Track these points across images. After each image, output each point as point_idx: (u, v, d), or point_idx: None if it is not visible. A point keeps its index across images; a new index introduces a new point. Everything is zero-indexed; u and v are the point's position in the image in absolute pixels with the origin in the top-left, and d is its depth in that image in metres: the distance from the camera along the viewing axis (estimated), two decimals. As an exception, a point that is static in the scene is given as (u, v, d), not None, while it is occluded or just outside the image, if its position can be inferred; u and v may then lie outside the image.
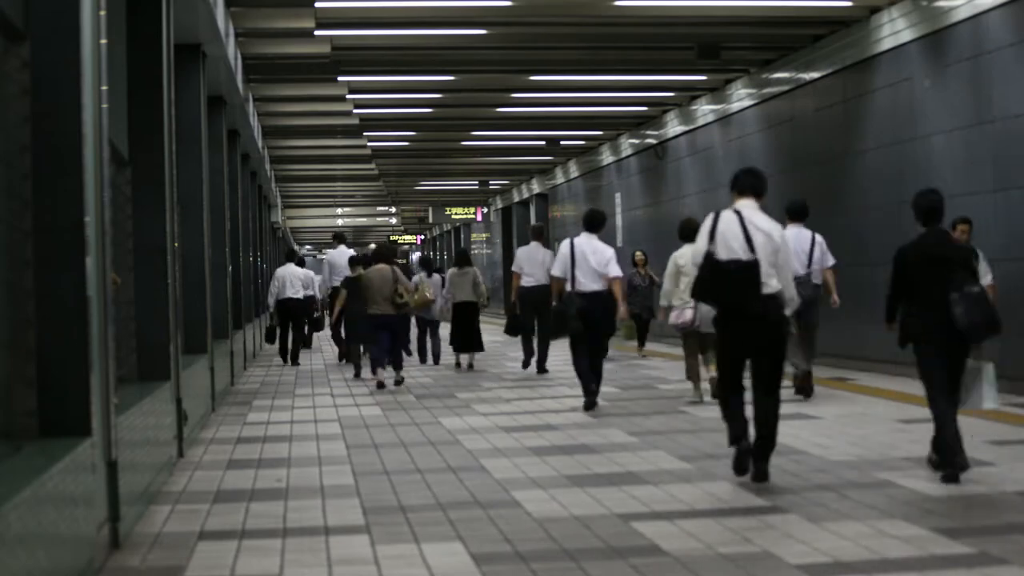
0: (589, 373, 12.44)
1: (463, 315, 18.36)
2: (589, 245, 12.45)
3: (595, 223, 12.74)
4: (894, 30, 14.97)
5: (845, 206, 16.39)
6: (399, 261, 28.41)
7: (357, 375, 17.70)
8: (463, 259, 19.16)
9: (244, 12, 15.28)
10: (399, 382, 15.71)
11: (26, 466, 5.39)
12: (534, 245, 17.02)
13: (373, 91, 20.86)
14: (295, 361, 21.12)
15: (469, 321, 18.31)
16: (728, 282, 8.10)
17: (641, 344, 20.75)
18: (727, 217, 8.22)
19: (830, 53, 16.70)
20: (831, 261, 12.86)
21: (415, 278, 19.00)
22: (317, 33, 15.58)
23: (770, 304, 8.09)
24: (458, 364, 18.78)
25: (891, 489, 7.66)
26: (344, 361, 20.18)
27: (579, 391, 12.77)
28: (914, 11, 14.52)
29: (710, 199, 21.92)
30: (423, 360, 19.90)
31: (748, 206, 8.28)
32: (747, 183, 8.40)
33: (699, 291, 8.37)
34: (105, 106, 6.74)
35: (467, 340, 18.30)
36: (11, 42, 6.06)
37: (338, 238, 22.02)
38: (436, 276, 20.30)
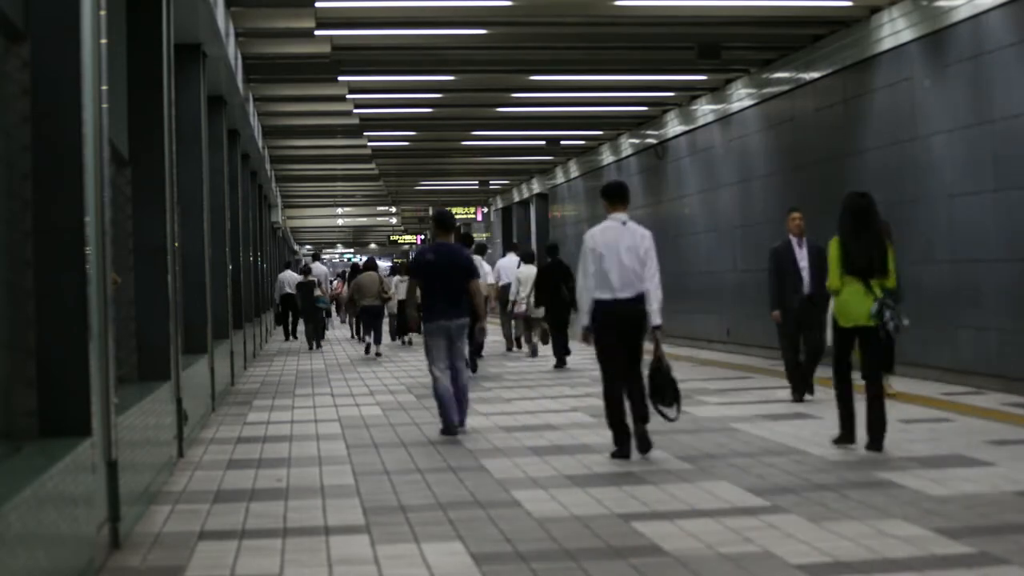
0: (472, 356, 16.74)
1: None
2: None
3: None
4: (894, 30, 14.96)
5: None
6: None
7: (311, 348, 26.54)
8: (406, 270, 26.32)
9: (244, 12, 15.28)
10: (378, 354, 22.70)
11: (26, 466, 5.39)
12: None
13: (373, 91, 20.87)
14: (295, 336, 30.77)
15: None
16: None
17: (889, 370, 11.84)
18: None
19: (830, 53, 16.70)
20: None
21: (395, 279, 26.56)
22: (317, 33, 15.58)
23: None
24: (409, 342, 26.33)
25: (891, 489, 7.66)
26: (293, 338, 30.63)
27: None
28: (914, 11, 14.51)
29: (710, 199, 21.94)
30: (393, 339, 27.52)
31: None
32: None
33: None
34: (105, 106, 6.74)
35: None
36: (11, 42, 6.06)
37: (315, 257, 32.93)
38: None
